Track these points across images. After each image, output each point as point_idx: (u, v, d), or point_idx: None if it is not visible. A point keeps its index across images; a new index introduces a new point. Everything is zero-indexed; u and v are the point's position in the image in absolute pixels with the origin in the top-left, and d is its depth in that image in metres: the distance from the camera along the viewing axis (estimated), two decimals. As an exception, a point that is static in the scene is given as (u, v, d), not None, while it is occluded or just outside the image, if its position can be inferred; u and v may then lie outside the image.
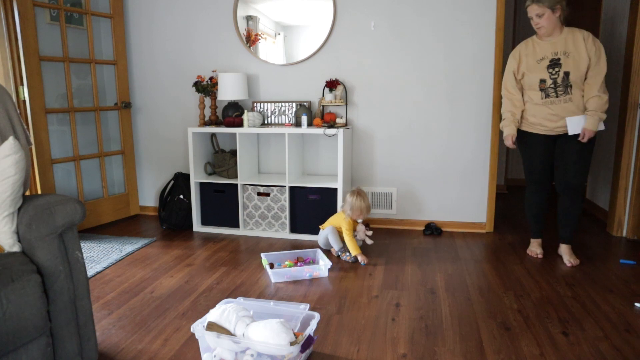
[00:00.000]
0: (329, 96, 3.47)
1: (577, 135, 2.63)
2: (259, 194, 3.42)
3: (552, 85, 2.64)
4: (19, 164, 1.59)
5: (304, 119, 3.31)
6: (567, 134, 2.67)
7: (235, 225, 3.53)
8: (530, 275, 2.65)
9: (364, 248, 3.10)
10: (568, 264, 2.79)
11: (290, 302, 2.13)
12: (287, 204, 3.36)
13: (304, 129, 3.28)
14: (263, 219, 3.45)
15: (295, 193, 3.37)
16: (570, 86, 2.60)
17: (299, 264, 2.78)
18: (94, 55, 3.58)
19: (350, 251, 2.89)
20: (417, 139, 3.52)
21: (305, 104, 3.57)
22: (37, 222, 1.54)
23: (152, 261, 2.93)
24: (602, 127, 2.62)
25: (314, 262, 2.84)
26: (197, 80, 3.56)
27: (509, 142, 2.82)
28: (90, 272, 2.72)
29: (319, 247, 3.11)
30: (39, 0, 3.18)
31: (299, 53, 3.59)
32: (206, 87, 3.58)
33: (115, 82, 3.78)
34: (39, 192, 3.21)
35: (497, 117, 3.36)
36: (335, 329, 2.05)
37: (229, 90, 3.46)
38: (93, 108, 3.62)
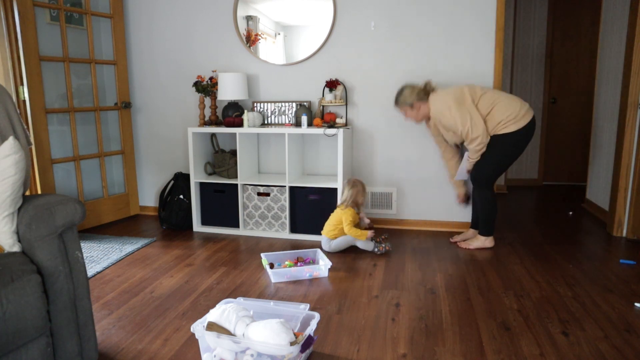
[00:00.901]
0: (329, 96, 3.47)
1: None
2: (259, 194, 3.42)
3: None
4: (19, 164, 1.59)
5: (304, 119, 3.31)
6: None
7: (235, 225, 3.53)
8: (530, 275, 2.65)
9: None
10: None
11: (290, 302, 2.13)
12: (287, 204, 3.36)
13: (304, 129, 3.28)
14: (263, 219, 3.45)
15: (295, 193, 3.37)
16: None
17: (299, 264, 2.78)
18: (94, 55, 3.58)
19: (358, 238, 2.98)
20: (417, 139, 3.52)
21: (305, 104, 3.57)
22: (37, 222, 1.54)
23: (152, 261, 2.93)
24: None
25: (314, 262, 2.84)
26: (197, 80, 3.56)
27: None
28: (90, 272, 2.72)
29: (319, 247, 3.11)
30: (39, 0, 3.18)
31: (299, 53, 3.59)
32: (206, 87, 3.58)
33: (115, 82, 3.78)
34: (39, 192, 3.21)
35: (497, 117, 3.36)
36: (335, 329, 2.05)
37: (229, 90, 3.46)
38: (93, 108, 3.62)
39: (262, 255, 2.81)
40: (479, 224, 3.14)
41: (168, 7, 3.78)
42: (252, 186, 3.43)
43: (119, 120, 3.82)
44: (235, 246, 3.23)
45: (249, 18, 3.65)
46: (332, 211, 3.16)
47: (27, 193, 2.91)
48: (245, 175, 3.49)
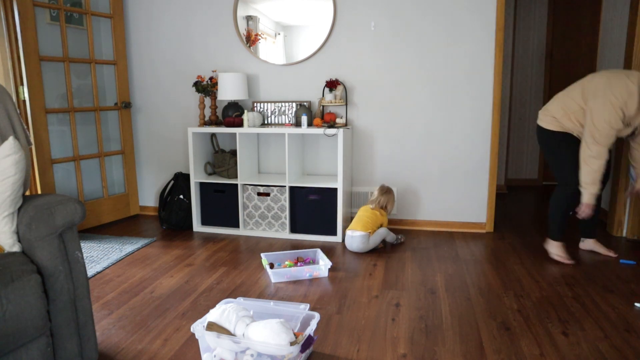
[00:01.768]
0: (329, 96, 3.47)
1: None
2: (259, 194, 3.42)
3: None
4: (19, 164, 1.59)
5: (304, 119, 3.31)
6: None
7: (235, 225, 3.53)
8: (530, 275, 2.65)
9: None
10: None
11: (290, 302, 2.13)
12: (287, 204, 3.36)
13: (304, 129, 3.28)
14: (263, 219, 3.45)
15: (295, 193, 3.37)
16: None
17: (299, 264, 2.78)
18: (94, 55, 3.58)
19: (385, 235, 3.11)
20: (417, 139, 3.52)
21: (305, 104, 3.57)
22: (37, 222, 1.54)
23: (152, 261, 2.93)
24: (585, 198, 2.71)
25: (314, 262, 2.84)
26: (197, 80, 3.56)
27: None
28: (90, 272, 2.72)
29: (319, 247, 3.11)
30: (39, 0, 3.18)
31: (299, 53, 3.59)
32: (206, 87, 3.58)
33: (115, 82, 3.78)
34: (39, 192, 3.21)
35: (497, 116, 3.36)
36: (335, 329, 2.05)
37: (229, 90, 3.46)
38: (93, 108, 3.62)
39: (262, 255, 2.81)
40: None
41: (168, 7, 3.78)
42: (252, 186, 3.43)
43: (119, 120, 3.82)
44: (235, 246, 3.23)
45: (249, 18, 3.65)
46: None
47: (27, 193, 2.91)
48: (245, 175, 3.49)
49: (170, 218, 3.60)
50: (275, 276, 2.59)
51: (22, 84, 3.13)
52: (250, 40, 3.66)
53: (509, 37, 4.84)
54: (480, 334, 2.00)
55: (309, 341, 1.73)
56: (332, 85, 3.45)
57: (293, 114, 3.59)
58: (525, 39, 5.19)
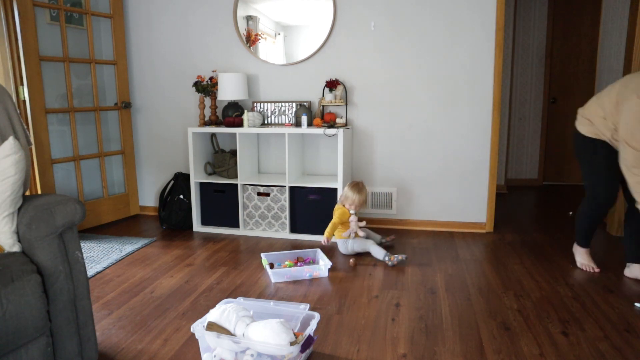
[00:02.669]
0: (329, 96, 3.47)
1: None
2: (259, 194, 3.42)
3: None
4: (19, 164, 1.59)
5: (304, 119, 3.31)
6: None
7: (235, 225, 3.53)
8: (530, 275, 2.65)
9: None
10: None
11: (290, 302, 2.13)
12: (287, 204, 3.36)
13: (304, 129, 3.28)
14: (263, 219, 3.45)
15: (295, 193, 3.37)
16: None
17: (299, 264, 2.78)
18: (94, 55, 3.58)
19: (325, 234, 2.99)
20: (417, 139, 3.52)
21: (305, 104, 3.57)
22: (37, 222, 1.54)
23: (152, 261, 2.93)
24: None
25: (314, 262, 2.84)
26: (197, 80, 3.56)
27: None
28: (90, 272, 2.72)
29: (319, 247, 3.10)
30: (39, 0, 3.18)
31: (299, 53, 3.59)
32: (206, 87, 3.58)
33: (115, 82, 3.78)
34: (39, 192, 3.21)
35: (498, 116, 3.36)
36: (335, 329, 2.05)
37: (229, 90, 3.46)
38: (93, 108, 3.62)
39: (262, 255, 2.80)
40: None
41: (168, 7, 3.78)
42: (252, 186, 3.43)
43: (119, 120, 3.82)
44: (235, 246, 3.23)
45: (249, 18, 3.65)
46: (332, 211, 3.16)
47: (27, 193, 2.91)
48: (245, 175, 3.49)
49: (170, 218, 3.60)
50: (275, 276, 2.59)
51: (22, 84, 3.13)
52: (250, 40, 3.66)
53: (509, 37, 4.84)
54: (480, 334, 2.00)
55: (309, 341, 1.73)
56: (332, 85, 3.45)
57: (293, 114, 3.59)
58: (525, 39, 5.19)
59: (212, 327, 1.69)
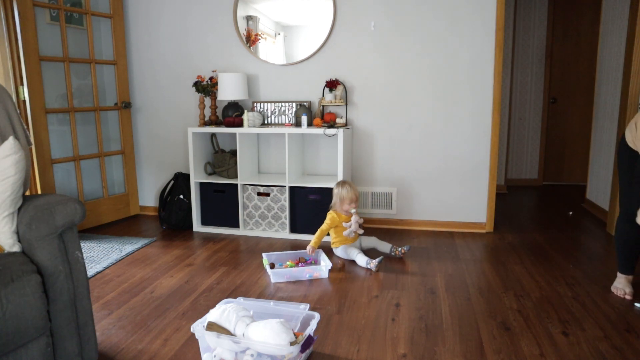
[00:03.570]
0: (329, 96, 3.47)
1: None
2: (259, 194, 3.42)
3: None
4: (19, 164, 1.59)
5: (304, 119, 3.31)
6: None
7: (235, 225, 3.52)
8: (530, 275, 2.65)
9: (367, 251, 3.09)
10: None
11: (290, 302, 2.13)
12: (287, 204, 3.36)
13: (304, 129, 3.28)
14: (263, 219, 3.45)
15: (295, 193, 3.37)
16: None
17: (300, 264, 2.78)
18: (94, 55, 3.58)
19: (311, 242, 2.89)
20: (417, 139, 3.52)
21: (305, 104, 3.57)
22: (37, 222, 1.54)
23: (152, 261, 2.93)
24: None
25: (315, 262, 2.84)
26: (197, 80, 3.56)
27: None
28: (90, 272, 2.72)
29: (319, 248, 3.10)
30: (39, 0, 3.18)
31: (299, 53, 3.59)
32: (206, 87, 3.58)
33: (115, 82, 3.78)
34: (39, 192, 3.21)
35: (498, 116, 3.36)
36: (335, 329, 2.05)
37: (229, 90, 3.46)
38: (93, 108, 3.62)
39: (264, 255, 2.80)
40: None
41: (168, 7, 3.78)
42: (252, 186, 3.43)
43: (119, 120, 3.82)
44: (235, 246, 3.23)
45: (249, 18, 3.65)
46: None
47: (27, 193, 2.90)
48: (245, 175, 3.49)
49: (170, 218, 3.60)
50: (275, 276, 2.59)
51: (22, 84, 3.13)
52: (250, 40, 3.66)
53: (509, 37, 4.84)
54: (480, 334, 2.00)
55: (309, 341, 1.73)
56: (332, 85, 3.45)
57: (293, 114, 3.59)
58: (525, 39, 5.19)
59: (212, 327, 1.69)
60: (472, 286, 2.51)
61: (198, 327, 1.73)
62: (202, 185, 3.58)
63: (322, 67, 3.57)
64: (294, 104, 3.59)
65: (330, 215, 2.96)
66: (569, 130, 5.36)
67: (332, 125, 3.33)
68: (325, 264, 2.68)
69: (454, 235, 3.43)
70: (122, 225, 3.75)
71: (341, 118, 3.44)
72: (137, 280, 2.62)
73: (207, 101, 3.77)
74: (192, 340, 1.96)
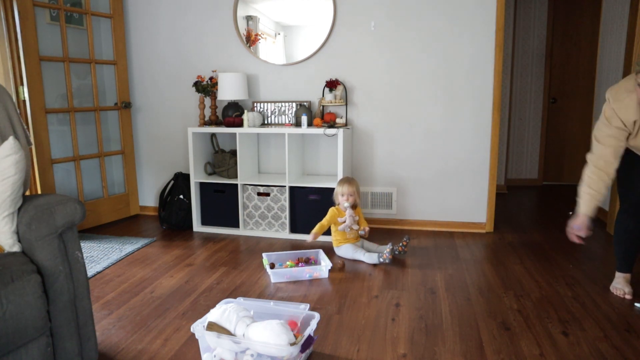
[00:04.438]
0: (329, 96, 3.47)
1: None
2: (259, 194, 3.42)
3: None
4: (19, 164, 1.59)
5: (304, 119, 3.31)
6: None
7: (235, 225, 3.52)
8: (530, 275, 2.65)
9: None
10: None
11: (290, 302, 2.13)
12: (287, 204, 3.36)
13: (304, 129, 3.28)
14: (263, 219, 3.45)
15: (295, 193, 3.37)
16: None
17: (300, 264, 2.78)
18: (94, 55, 3.58)
19: (311, 234, 2.94)
20: (417, 139, 3.52)
21: (305, 104, 3.57)
22: (37, 222, 1.54)
23: (152, 261, 2.93)
24: None
25: (316, 262, 2.84)
26: (197, 80, 3.56)
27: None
28: (90, 272, 2.72)
29: (320, 247, 3.10)
30: (39, 0, 3.18)
31: (299, 53, 3.59)
32: (206, 87, 3.58)
33: (115, 82, 3.78)
34: (39, 192, 3.21)
35: (497, 116, 3.36)
36: (335, 329, 2.05)
37: (229, 90, 3.46)
38: (93, 108, 3.62)
39: (264, 255, 2.80)
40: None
41: (168, 7, 3.78)
42: (252, 186, 3.43)
43: (119, 120, 3.82)
44: (235, 246, 3.23)
45: (249, 18, 3.65)
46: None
47: (27, 193, 2.90)
48: (245, 175, 3.49)
49: (170, 218, 3.60)
50: (275, 276, 2.59)
51: (22, 84, 3.13)
52: (250, 40, 3.66)
53: (509, 37, 4.84)
54: (480, 334, 2.00)
55: (309, 341, 1.73)
56: (332, 85, 3.45)
57: (293, 114, 3.58)
58: (525, 39, 5.19)
59: (212, 327, 1.69)
60: (472, 286, 2.51)
61: (198, 327, 1.73)
62: (202, 185, 3.58)
63: (322, 67, 3.57)
64: (294, 104, 3.59)
65: (330, 210, 2.99)
66: (569, 130, 5.35)
67: (332, 125, 3.33)
68: (325, 264, 2.68)
69: (454, 235, 3.43)
70: (122, 225, 3.75)
71: (341, 118, 3.44)
72: (137, 280, 2.62)
73: (207, 101, 3.77)
74: (192, 340, 1.96)
